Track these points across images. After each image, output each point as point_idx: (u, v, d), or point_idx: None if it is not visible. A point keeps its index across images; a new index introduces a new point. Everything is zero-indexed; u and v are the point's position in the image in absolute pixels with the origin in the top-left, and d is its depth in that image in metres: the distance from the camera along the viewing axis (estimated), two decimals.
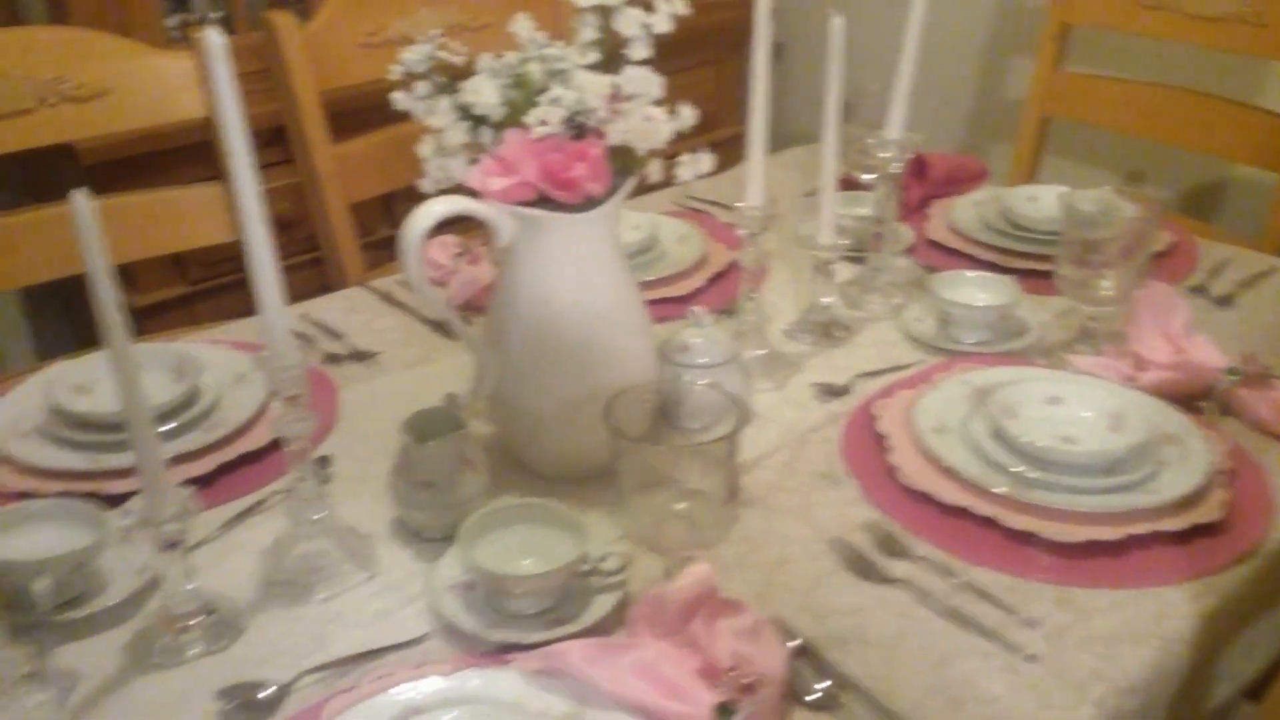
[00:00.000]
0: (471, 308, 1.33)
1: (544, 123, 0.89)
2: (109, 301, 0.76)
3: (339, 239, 1.58)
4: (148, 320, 1.96)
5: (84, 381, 1.14)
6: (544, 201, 0.93)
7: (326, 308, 1.39)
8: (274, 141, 1.66)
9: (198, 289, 2.04)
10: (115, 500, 1.00)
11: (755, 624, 0.83)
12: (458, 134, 0.93)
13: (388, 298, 1.42)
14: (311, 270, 1.82)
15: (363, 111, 1.65)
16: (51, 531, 0.93)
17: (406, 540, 1.00)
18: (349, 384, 1.23)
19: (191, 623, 0.88)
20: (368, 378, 1.25)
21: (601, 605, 0.90)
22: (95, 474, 1.05)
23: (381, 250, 1.95)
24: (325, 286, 1.54)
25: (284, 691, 0.83)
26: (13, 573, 0.86)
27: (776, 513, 1.02)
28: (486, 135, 0.93)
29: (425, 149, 0.94)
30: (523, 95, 0.93)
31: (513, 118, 0.93)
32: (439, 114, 0.93)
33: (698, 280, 1.39)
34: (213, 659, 0.87)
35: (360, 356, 1.29)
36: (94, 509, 0.95)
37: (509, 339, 1.00)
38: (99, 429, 1.08)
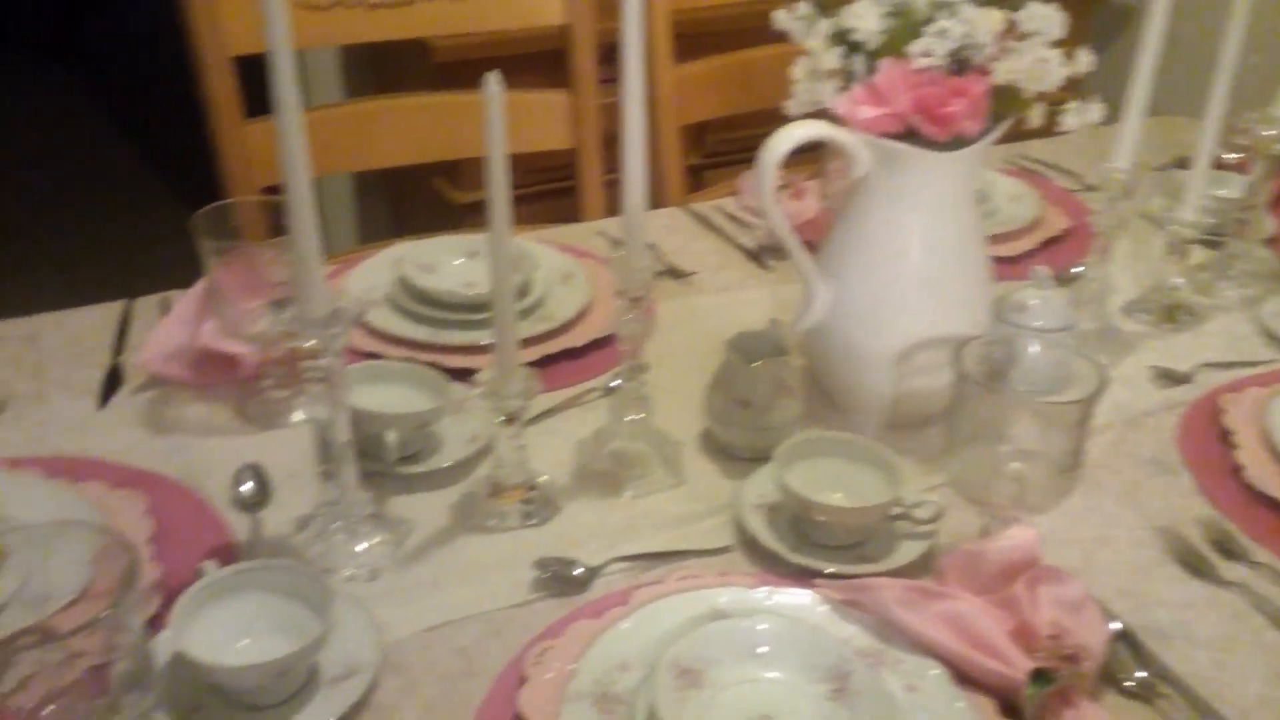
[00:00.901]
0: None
1: (927, 54, 0.87)
2: (500, 186, 0.80)
3: (666, 159, 1.61)
4: (467, 217, 2.07)
5: (429, 262, 1.22)
6: (909, 136, 0.91)
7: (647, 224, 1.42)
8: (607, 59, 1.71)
9: (517, 193, 2.14)
10: (450, 373, 1.07)
11: (1079, 597, 0.79)
12: (831, 59, 0.92)
13: (705, 221, 1.43)
14: None
15: (700, 36, 1.67)
16: (399, 391, 1.00)
17: (712, 455, 1.02)
18: (665, 299, 1.26)
19: (515, 494, 0.93)
20: (683, 295, 1.27)
21: (908, 551, 0.89)
22: (434, 346, 1.12)
23: (688, 177, 1.98)
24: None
25: (593, 573, 0.87)
26: (370, 422, 0.93)
27: (1101, 491, 0.97)
28: (859, 63, 0.92)
29: (798, 71, 0.94)
30: (903, 25, 0.91)
31: (889, 47, 0.91)
32: (816, 36, 0.92)
33: (1028, 243, 1.33)
34: (530, 531, 0.92)
35: (676, 274, 1.31)
36: (438, 376, 1.02)
37: (847, 273, 0.99)
38: (441, 305, 1.16)
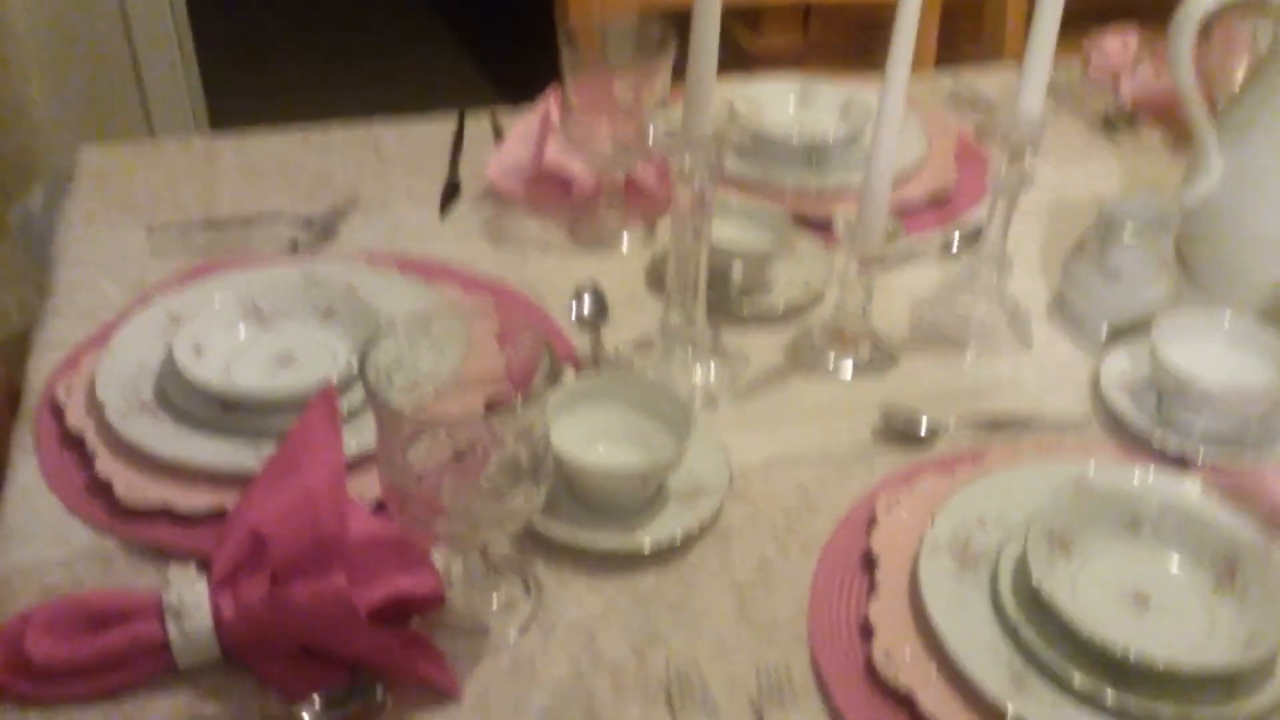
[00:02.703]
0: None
1: None
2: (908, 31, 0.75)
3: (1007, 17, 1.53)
4: (759, 65, 2.02)
5: (760, 102, 1.18)
6: None
7: (983, 80, 1.33)
8: None
9: (812, 43, 2.08)
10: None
11: None
12: None
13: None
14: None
15: None
16: (740, 227, 0.98)
17: (1063, 326, 0.95)
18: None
19: (855, 343, 0.90)
20: None
21: None
22: (764, 186, 1.09)
23: None
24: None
25: (940, 429, 0.84)
26: (717, 255, 0.91)
27: None
28: None
29: None
30: None
31: None
32: None
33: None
34: (866, 382, 0.89)
35: None
36: (780, 214, 0.99)
37: (1249, 146, 0.89)
38: (773, 147, 1.12)
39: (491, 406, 0.65)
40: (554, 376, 0.61)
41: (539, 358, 0.63)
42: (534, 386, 0.62)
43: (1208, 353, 0.84)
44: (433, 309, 0.87)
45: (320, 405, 0.68)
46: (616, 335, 0.92)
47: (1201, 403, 0.81)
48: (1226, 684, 0.62)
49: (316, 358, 0.84)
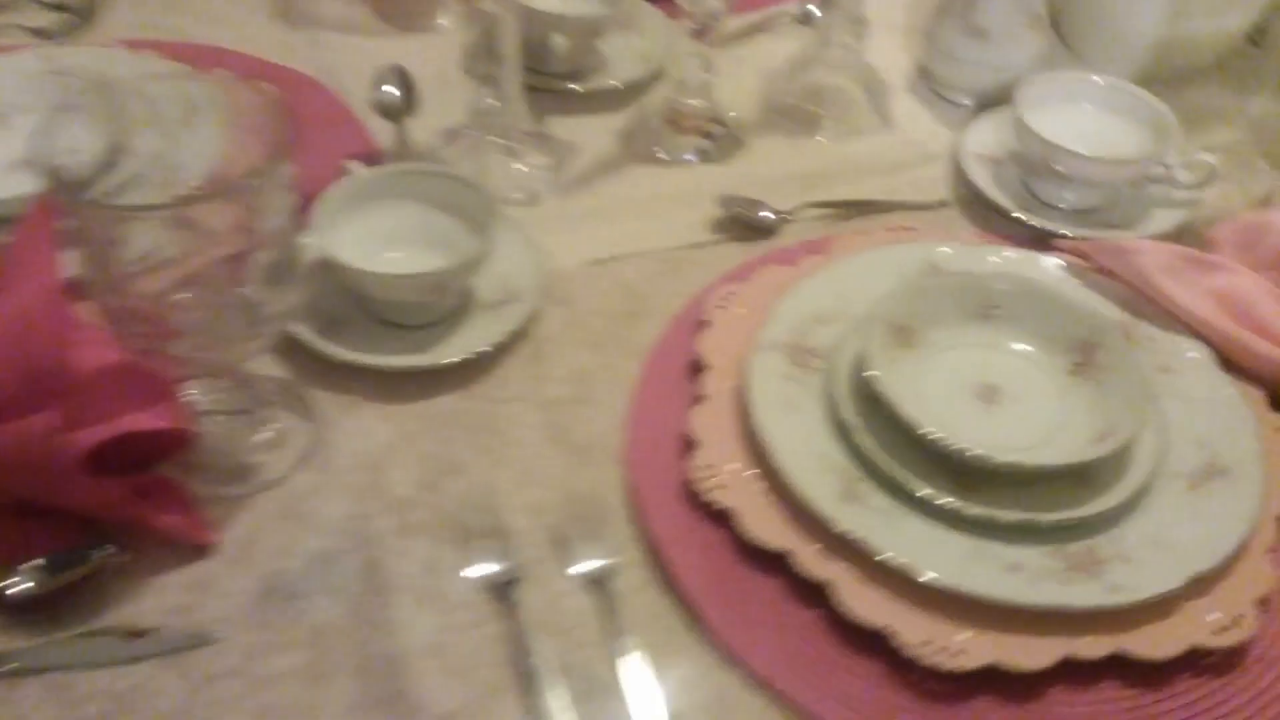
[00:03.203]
0: None
1: None
2: None
3: None
4: None
5: None
6: None
7: None
8: None
9: None
10: None
11: None
12: None
13: None
14: None
15: None
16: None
17: (926, 100, 0.86)
18: None
19: (696, 125, 0.80)
20: None
21: (1162, 220, 0.74)
22: None
23: None
24: None
25: (784, 218, 0.75)
26: (536, 23, 0.79)
27: None
28: None
29: None
30: None
31: None
32: None
33: None
34: (710, 169, 0.80)
35: None
36: None
37: None
38: None
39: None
40: (283, 150, 0.50)
41: (280, 136, 0.52)
42: (260, 163, 0.51)
43: (1077, 118, 0.76)
44: (196, 97, 0.75)
45: (36, 217, 0.57)
46: (429, 125, 0.80)
47: (1069, 172, 0.73)
48: (1077, 482, 0.57)
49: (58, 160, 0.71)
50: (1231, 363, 0.64)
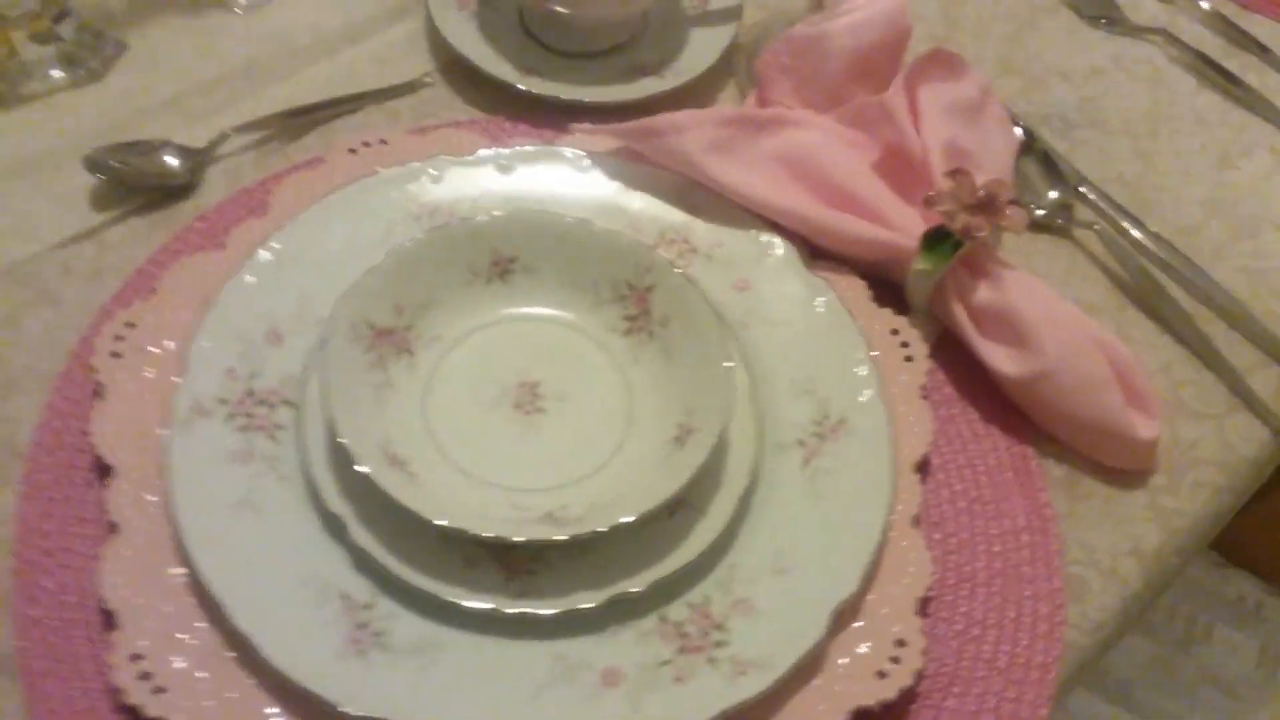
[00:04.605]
0: None
1: None
2: None
3: None
4: None
5: None
6: None
7: None
8: None
9: None
10: None
11: (978, 98, 0.51)
12: None
13: None
14: None
15: None
16: None
17: None
18: None
19: (35, 26, 0.53)
20: None
21: (701, 52, 0.57)
22: None
23: None
24: None
25: (199, 161, 0.51)
26: None
27: None
28: None
29: None
30: None
31: None
32: None
33: None
34: (76, 96, 0.54)
35: None
36: None
37: None
38: None
39: None
40: None
41: None
42: None
43: None
44: None
45: None
46: None
47: (561, 10, 0.53)
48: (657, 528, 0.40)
49: None
50: (820, 253, 0.49)
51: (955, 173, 0.47)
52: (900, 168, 0.49)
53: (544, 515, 0.39)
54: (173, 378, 0.43)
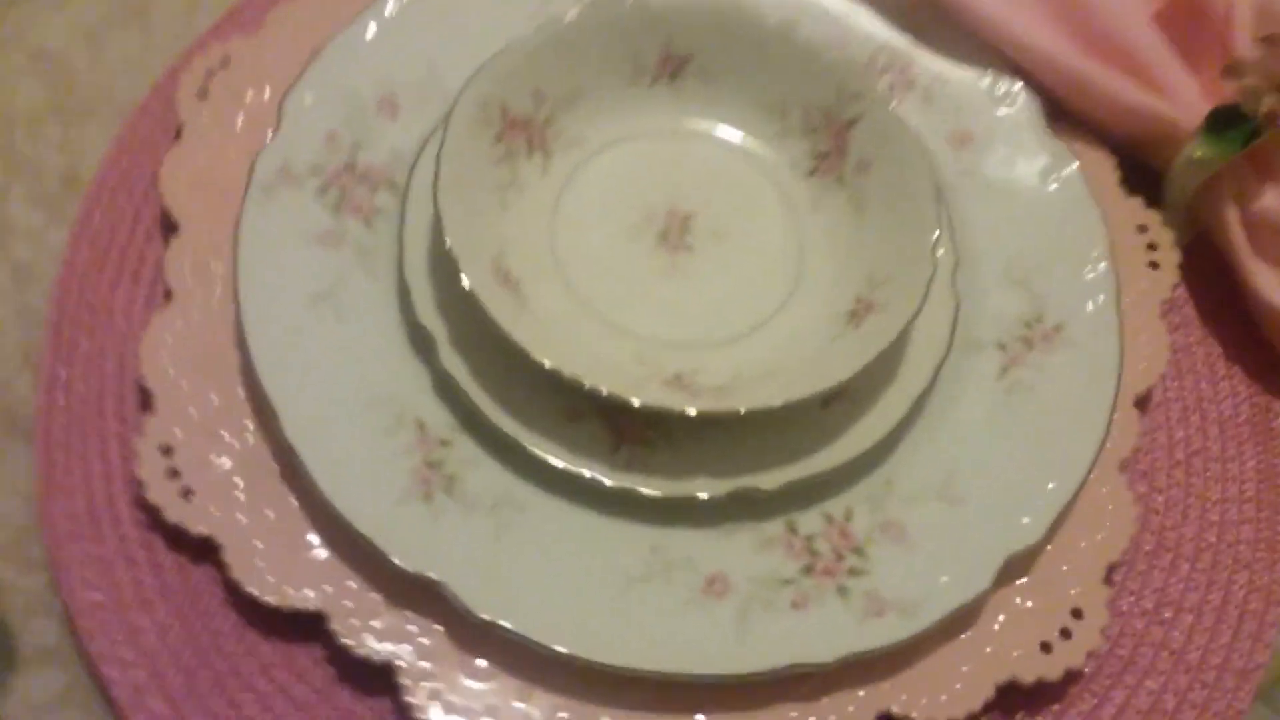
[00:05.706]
0: None
1: None
2: None
3: None
4: None
5: None
6: None
7: None
8: None
9: None
10: None
11: None
12: None
13: None
14: None
15: None
16: None
17: None
18: None
19: None
20: None
21: None
22: None
23: None
24: None
25: None
26: None
27: None
28: None
29: None
30: None
31: None
32: None
33: None
34: None
35: None
36: None
37: None
38: None
39: None
40: None
41: None
42: None
43: None
44: None
45: None
46: None
47: None
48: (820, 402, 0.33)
49: None
50: (1066, 113, 0.39)
51: (1269, 39, 0.36)
52: (1191, 21, 0.38)
53: (672, 377, 0.32)
54: (266, 131, 0.36)
